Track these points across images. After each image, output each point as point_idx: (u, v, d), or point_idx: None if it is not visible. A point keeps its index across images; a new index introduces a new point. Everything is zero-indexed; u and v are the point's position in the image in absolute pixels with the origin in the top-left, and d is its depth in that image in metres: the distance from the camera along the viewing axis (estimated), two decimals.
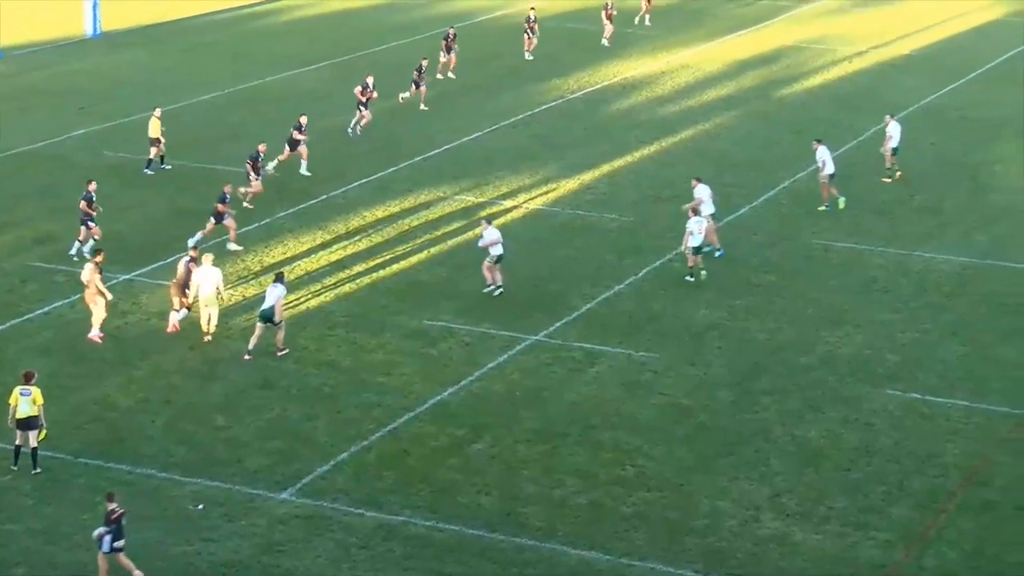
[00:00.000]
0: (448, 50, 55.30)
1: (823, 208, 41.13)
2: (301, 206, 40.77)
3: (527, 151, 46.52)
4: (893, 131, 43.73)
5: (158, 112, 43.77)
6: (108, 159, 44.97)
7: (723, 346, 32.44)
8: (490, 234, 34.85)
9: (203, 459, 27.13)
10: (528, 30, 59.24)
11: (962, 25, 66.95)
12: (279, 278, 32.06)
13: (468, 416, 28.99)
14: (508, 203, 41.45)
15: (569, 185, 43.16)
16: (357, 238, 38.54)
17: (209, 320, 31.98)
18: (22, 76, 55.74)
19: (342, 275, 35.90)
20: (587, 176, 44.09)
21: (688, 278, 35.69)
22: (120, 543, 22.98)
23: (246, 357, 31.15)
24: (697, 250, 35.56)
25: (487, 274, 34.88)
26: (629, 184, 43.69)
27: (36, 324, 32.85)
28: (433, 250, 37.88)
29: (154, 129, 43.35)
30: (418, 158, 45.39)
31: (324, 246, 37.72)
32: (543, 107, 51.27)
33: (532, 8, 61.16)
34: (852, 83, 56.31)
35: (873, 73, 58.04)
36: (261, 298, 34.10)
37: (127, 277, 35.46)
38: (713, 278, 36.16)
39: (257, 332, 31.30)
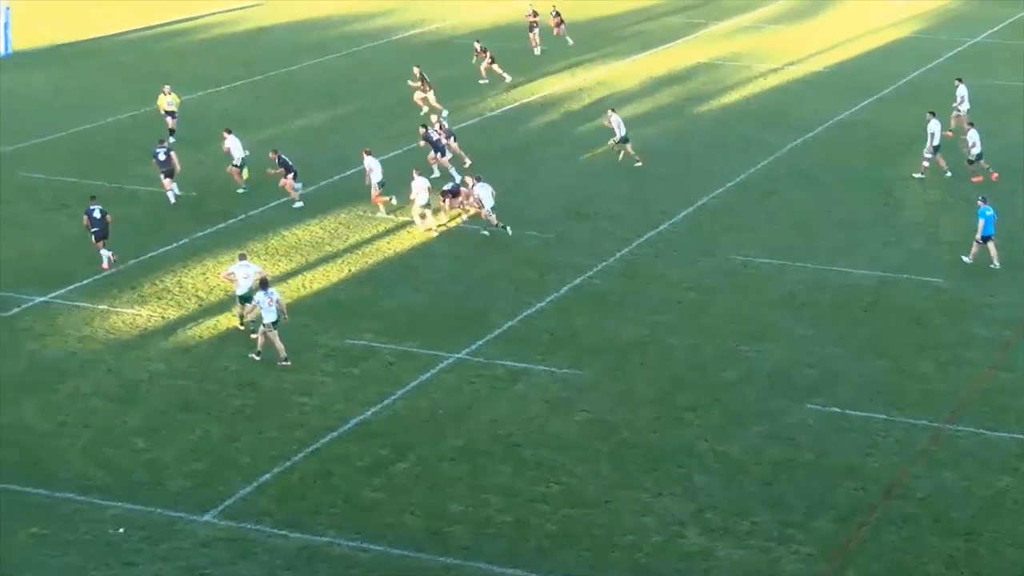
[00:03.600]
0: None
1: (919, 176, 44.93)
2: (220, 225, 40.49)
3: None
4: (973, 137, 45.28)
5: (167, 88, 48.32)
6: (21, 180, 44.42)
7: (645, 362, 32.57)
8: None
9: (123, 482, 26.82)
10: (532, 25, 62.73)
11: (873, 42, 67.80)
12: (264, 284, 31.92)
13: (391, 435, 28.89)
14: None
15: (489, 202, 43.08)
16: (276, 258, 38.33)
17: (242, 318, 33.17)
18: None
19: None
20: (507, 194, 44.09)
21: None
22: None
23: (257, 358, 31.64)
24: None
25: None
26: (548, 201, 43.80)
27: None
28: (353, 269, 37.75)
29: (164, 104, 47.98)
30: (336, 177, 45.23)
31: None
32: (461, 125, 51.24)
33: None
34: (767, 100, 56.85)
35: (787, 90, 58.63)
36: (181, 320, 33.91)
37: (43, 299, 35.01)
38: (634, 295, 36.33)
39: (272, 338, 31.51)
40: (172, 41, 67.03)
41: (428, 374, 31.63)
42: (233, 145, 42.91)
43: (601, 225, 41.65)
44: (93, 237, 37.37)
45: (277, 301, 31.81)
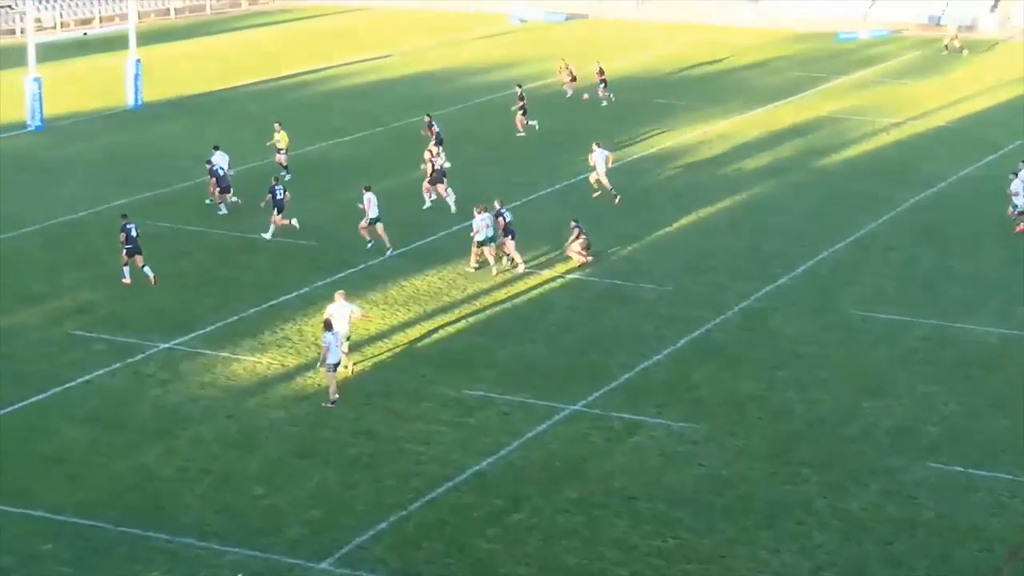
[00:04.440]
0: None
1: None
2: (339, 275, 40.88)
3: (564, 221, 46.51)
4: None
5: (277, 126, 50.92)
6: (147, 228, 45.23)
7: (763, 416, 32.26)
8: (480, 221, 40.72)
9: (242, 528, 27.07)
10: (520, 109, 59.11)
11: (997, 98, 66.93)
12: (329, 327, 32.32)
13: (507, 486, 28.86)
14: (546, 273, 41.47)
15: (607, 255, 43.17)
16: (394, 307, 38.60)
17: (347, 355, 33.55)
18: (63, 147, 56.33)
19: (381, 344, 35.93)
20: (625, 246, 44.10)
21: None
22: None
23: (329, 405, 32.01)
24: (482, 243, 40.86)
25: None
26: (667, 254, 43.69)
27: (76, 393, 32.93)
28: (470, 319, 37.90)
29: (283, 139, 50.61)
30: (455, 227, 45.50)
31: (362, 315, 37.72)
32: (580, 177, 51.37)
33: (519, 86, 61.04)
34: (890, 154, 56.30)
35: (910, 144, 58.03)
36: (300, 367, 34.28)
37: (167, 346, 35.56)
38: (752, 348, 36.07)
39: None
40: (299, 92, 68.08)
41: (544, 425, 31.60)
42: (370, 203, 42.89)
43: (720, 278, 41.44)
44: (126, 253, 39.68)
45: (342, 343, 32.39)
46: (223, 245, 43.72)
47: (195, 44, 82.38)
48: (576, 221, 42.36)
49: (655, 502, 28.27)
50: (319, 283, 40.16)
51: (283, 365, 34.50)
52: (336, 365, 32.27)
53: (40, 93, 59.56)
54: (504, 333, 36.89)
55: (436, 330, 37.07)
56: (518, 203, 48.14)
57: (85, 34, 75.28)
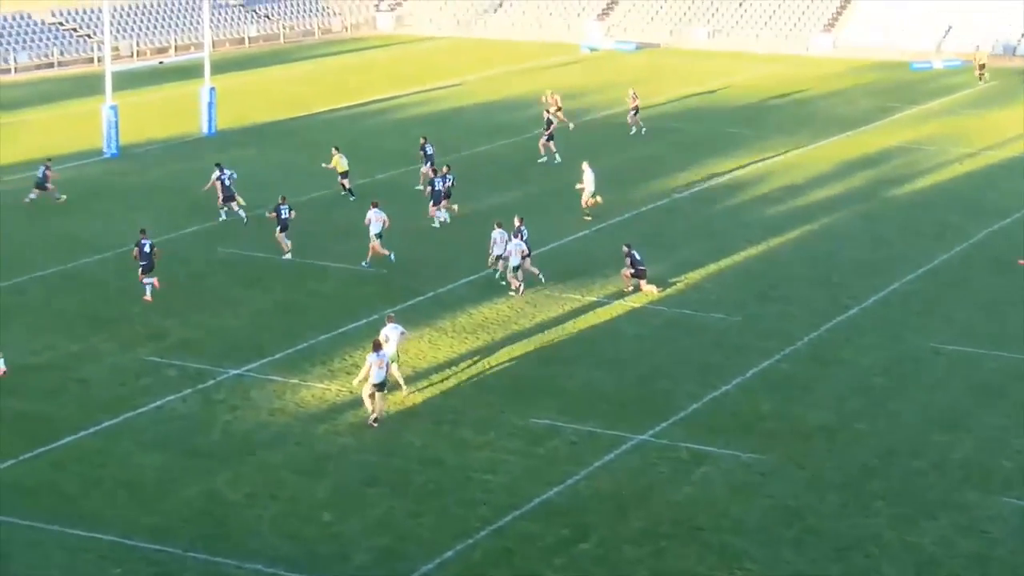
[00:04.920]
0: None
1: None
2: (409, 302, 41.06)
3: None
4: None
5: (335, 150, 52.30)
6: (220, 255, 45.71)
7: (832, 448, 32.03)
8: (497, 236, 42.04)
9: (309, 555, 27.18)
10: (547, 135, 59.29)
11: None
12: (377, 347, 32.88)
13: (574, 515, 28.82)
14: (614, 302, 41.44)
15: (675, 284, 43.10)
16: (463, 335, 38.70)
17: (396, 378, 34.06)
18: (138, 174, 57.00)
19: (448, 372, 36.02)
20: (693, 275, 44.00)
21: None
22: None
23: (373, 424, 32.44)
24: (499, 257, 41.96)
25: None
26: (736, 283, 43.53)
27: (148, 418, 33.24)
28: (538, 347, 37.92)
29: (339, 165, 51.66)
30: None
31: (431, 343, 37.91)
32: (648, 206, 51.34)
33: (547, 111, 61.12)
34: (962, 184, 55.85)
35: (983, 175, 57.54)
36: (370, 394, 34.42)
37: (237, 372, 35.84)
38: (821, 379, 35.85)
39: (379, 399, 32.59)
40: (371, 120, 68.55)
41: (611, 455, 31.54)
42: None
43: (788, 308, 41.24)
44: (140, 269, 40.75)
45: (387, 365, 32.65)
46: (292, 272, 44.01)
47: (269, 72, 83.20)
48: (628, 245, 42.33)
49: (722, 533, 28.12)
50: (389, 311, 40.32)
51: (351, 392, 34.63)
52: (380, 386, 32.52)
53: (116, 121, 60.37)
54: (572, 361, 36.88)
55: (504, 358, 37.12)
56: (586, 232, 48.20)
57: (161, 63, 76.14)
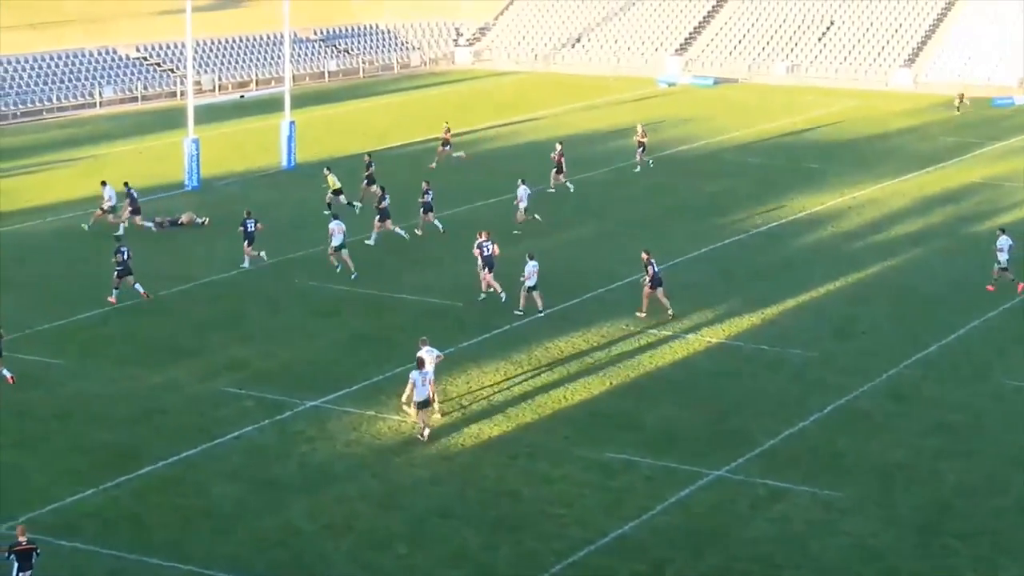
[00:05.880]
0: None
1: None
2: (484, 336, 41.14)
3: (710, 285, 46.45)
4: None
5: (326, 171, 55.48)
6: (297, 287, 46.04)
7: (911, 486, 31.70)
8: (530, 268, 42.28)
9: None
10: (557, 164, 59.64)
11: None
12: (421, 365, 33.80)
13: (649, 551, 28.70)
14: (691, 337, 41.32)
15: (752, 319, 42.91)
16: (539, 369, 38.71)
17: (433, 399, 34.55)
18: (219, 205, 57.55)
19: (524, 405, 36.04)
20: (771, 310, 43.79)
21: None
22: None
23: (424, 439, 33.34)
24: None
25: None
26: (814, 319, 43.26)
27: (226, 448, 33.51)
28: (614, 381, 37.86)
29: (332, 183, 54.96)
30: (600, 290, 45.58)
31: (507, 377, 37.95)
32: (726, 241, 51.18)
33: (559, 143, 61.35)
34: None
35: None
36: (444, 428, 34.49)
37: (314, 403, 36.05)
38: (900, 417, 35.52)
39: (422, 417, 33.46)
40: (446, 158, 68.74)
41: (687, 490, 31.40)
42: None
43: (866, 345, 40.93)
44: (116, 274, 43.42)
45: (430, 383, 33.52)
46: (369, 304, 44.25)
47: (348, 107, 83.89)
48: (647, 252, 42.53)
49: (800, 571, 27.90)
50: (464, 344, 40.43)
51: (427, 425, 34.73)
52: (424, 403, 33.41)
53: (198, 154, 61.11)
54: (648, 396, 36.79)
55: (579, 392, 37.09)
56: (663, 266, 48.10)
57: (242, 96, 77.06)
